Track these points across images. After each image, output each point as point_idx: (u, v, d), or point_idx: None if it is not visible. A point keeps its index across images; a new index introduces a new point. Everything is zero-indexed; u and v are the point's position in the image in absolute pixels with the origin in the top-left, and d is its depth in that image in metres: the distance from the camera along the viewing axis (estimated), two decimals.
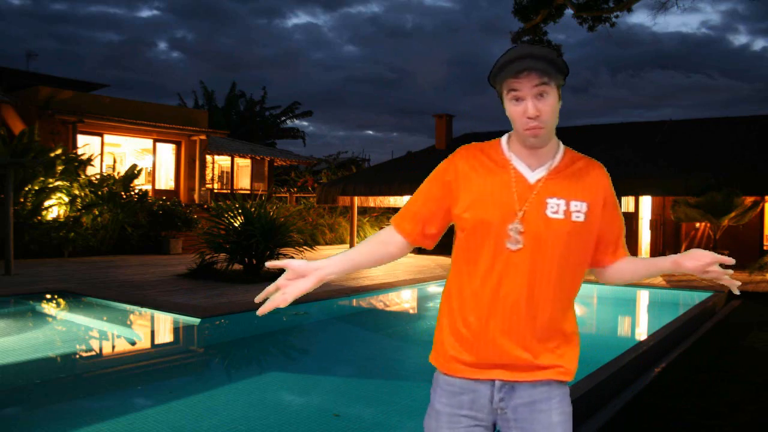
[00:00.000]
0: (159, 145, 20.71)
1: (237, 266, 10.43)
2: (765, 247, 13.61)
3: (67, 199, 14.24)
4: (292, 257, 11.76)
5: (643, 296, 10.32)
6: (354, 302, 9.05)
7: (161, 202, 16.43)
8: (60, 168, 14.38)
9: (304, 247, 11.17)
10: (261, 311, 1.60)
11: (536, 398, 1.54)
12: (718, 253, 1.60)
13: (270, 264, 1.62)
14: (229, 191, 23.08)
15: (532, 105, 1.49)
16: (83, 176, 15.06)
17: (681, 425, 3.67)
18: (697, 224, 14.08)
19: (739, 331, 6.72)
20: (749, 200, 12.96)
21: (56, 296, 8.54)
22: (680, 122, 17.56)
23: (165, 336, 7.28)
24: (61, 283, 9.16)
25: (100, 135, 19.12)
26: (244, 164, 24.93)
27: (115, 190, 15.21)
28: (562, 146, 1.63)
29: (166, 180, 21.55)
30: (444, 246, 1.85)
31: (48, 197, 13.94)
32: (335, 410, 4.19)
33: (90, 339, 6.82)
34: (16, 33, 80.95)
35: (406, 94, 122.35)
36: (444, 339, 1.61)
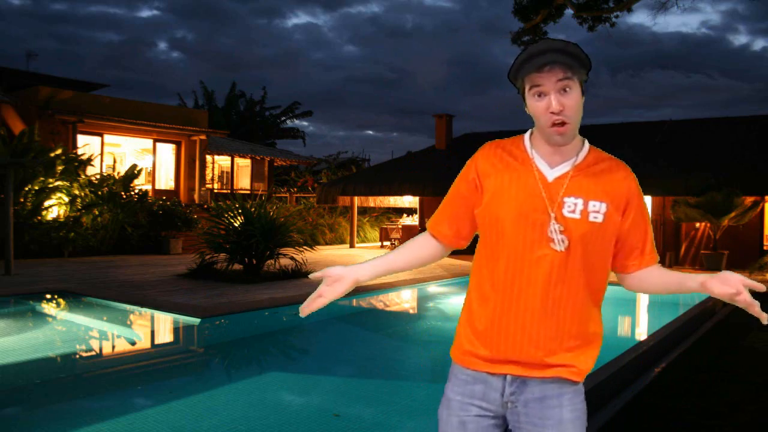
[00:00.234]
0: (159, 145, 20.71)
1: (237, 266, 10.43)
2: (765, 247, 13.61)
3: (67, 199, 14.24)
4: (293, 257, 11.73)
5: (643, 296, 10.32)
6: (354, 302, 9.05)
7: (161, 202, 16.43)
8: (60, 168, 14.38)
9: (304, 247, 11.17)
10: (303, 313, 1.66)
11: (547, 394, 1.53)
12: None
13: (313, 276, 1.67)
14: (229, 191, 23.08)
15: (555, 100, 1.46)
16: (83, 176, 15.06)
17: (681, 425, 3.67)
18: (697, 224, 14.07)
19: (739, 331, 6.72)
20: (749, 200, 12.96)
21: (56, 296, 8.54)
22: (680, 122, 17.56)
23: (165, 336, 7.28)
24: (61, 283, 9.16)
25: (100, 135, 19.12)
26: (244, 164, 24.93)
27: (115, 190, 15.21)
28: (587, 144, 1.59)
29: (166, 180, 21.55)
30: None
31: (48, 197, 13.94)
32: (335, 410, 4.19)
33: (90, 339, 6.81)
34: (16, 33, 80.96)
35: (406, 94, 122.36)
36: (461, 333, 1.64)
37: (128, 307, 7.64)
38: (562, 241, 1.49)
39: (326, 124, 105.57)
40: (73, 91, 19.40)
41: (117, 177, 16.20)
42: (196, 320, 6.82)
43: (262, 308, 7.62)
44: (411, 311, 9.44)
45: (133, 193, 15.77)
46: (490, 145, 1.65)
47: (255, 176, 24.91)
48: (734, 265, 12.79)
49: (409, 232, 18.59)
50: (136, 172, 16.21)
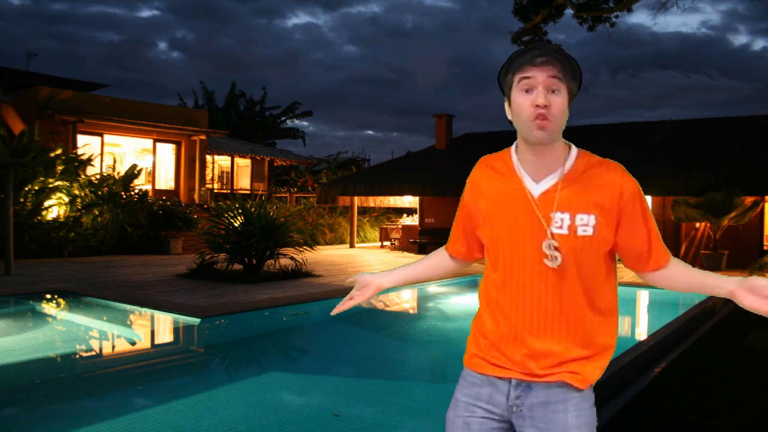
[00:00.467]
0: (159, 145, 20.71)
1: (237, 266, 10.43)
2: (765, 247, 13.61)
3: (67, 199, 14.24)
4: (293, 257, 11.72)
5: (643, 296, 10.32)
6: None
7: (161, 202, 16.43)
8: (60, 168, 14.38)
9: (304, 247, 11.17)
10: (334, 312, 1.81)
11: (552, 399, 1.53)
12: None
13: (348, 281, 1.83)
14: (229, 191, 23.08)
15: (543, 94, 1.44)
16: (83, 176, 15.06)
17: (681, 425, 3.67)
18: (697, 224, 14.07)
19: (739, 331, 6.72)
20: (749, 200, 12.95)
21: (56, 296, 8.54)
22: (680, 122, 17.56)
23: (165, 336, 7.28)
24: (61, 283, 9.16)
25: (100, 135, 19.12)
26: (244, 164, 24.93)
27: (115, 190, 15.22)
28: (574, 150, 1.55)
29: (166, 180, 21.56)
30: (440, 246, 1.90)
31: (48, 197, 13.95)
32: (335, 410, 4.19)
33: (90, 339, 6.82)
34: (16, 33, 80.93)
35: (406, 94, 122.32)
36: (471, 340, 1.67)
37: (128, 307, 7.64)
38: (556, 258, 1.49)
39: (326, 124, 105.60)
40: (73, 91, 19.40)
41: (117, 177, 16.20)
42: (196, 320, 6.82)
43: (262, 308, 7.62)
44: (411, 311, 9.44)
45: (133, 193, 15.77)
46: (480, 165, 1.67)
47: (255, 176, 24.91)
48: (734, 265, 12.79)
49: (409, 232, 18.59)
50: (136, 172, 16.21)
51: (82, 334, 6.92)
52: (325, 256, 14.69)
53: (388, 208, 23.51)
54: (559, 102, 1.46)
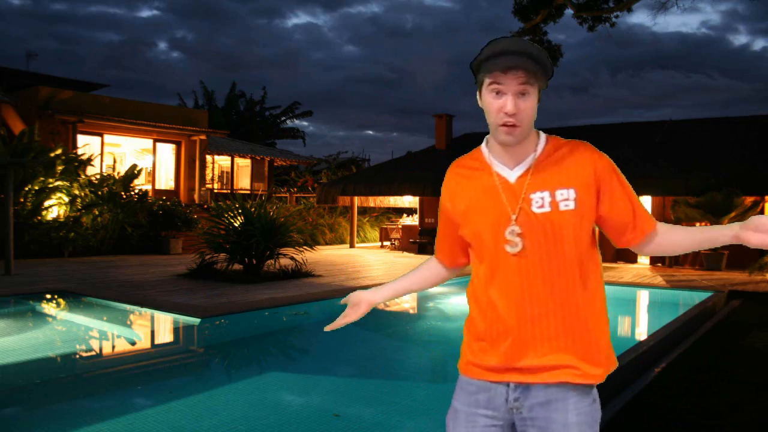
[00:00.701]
0: (159, 145, 20.71)
1: (237, 266, 10.43)
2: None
3: (67, 199, 14.24)
4: (293, 257, 11.70)
5: (643, 296, 10.32)
6: None
7: (161, 202, 16.43)
8: (60, 168, 14.38)
9: (304, 247, 11.17)
10: (328, 329, 1.84)
11: (551, 398, 1.52)
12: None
13: (342, 301, 1.85)
14: (229, 191, 23.08)
15: (512, 102, 1.46)
16: (83, 176, 15.06)
17: (681, 425, 3.67)
18: (697, 224, 14.08)
19: (739, 331, 6.72)
20: (749, 200, 12.95)
21: (56, 296, 8.54)
22: (680, 122, 17.55)
23: (165, 336, 7.28)
24: (61, 283, 9.16)
25: (100, 135, 19.12)
26: (244, 164, 24.93)
27: (115, 190, 15.21)
28: (543, 136, 1.58)
29: (166, 180, 21.55)
30: None
31: (48, 197, 13.94)
32: (335, 410, 4.19)
33: (90, 339, 6.82)
34: (16, 33, 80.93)
35: (406, 94, 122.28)
36: (464, 345, 1.66)
37: (128, 307, 7.64)
38: (516, 245, 1.50)
39: (326, 124, 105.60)
40: (73, 91, 19.39)
41: (117, 177, 16.20)
42: (196, 320, 6.82)
43: (262, 308, 7.62)
44: (411, 311, 9.43)
45: (133, 193, 15.77)
46: (451, 168, 1.69)
47: (255, 176, 24.91)
48: (734, 265, 12.79)
49: (409, 232, 18.59)
50: (136, 172, 16.21)
51: (82, 334, 6.92)
52: (325, 256, 14.69)
53: (388, 208, 23.51)
54: (529, 106, 1.48)
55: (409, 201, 21.07)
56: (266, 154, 25.15)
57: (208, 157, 23.16)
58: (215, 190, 23.41)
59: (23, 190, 13.51)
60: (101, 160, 18.86)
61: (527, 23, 15.97)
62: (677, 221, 13.62)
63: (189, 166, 21.07)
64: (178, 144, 20.98)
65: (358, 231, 20.59)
